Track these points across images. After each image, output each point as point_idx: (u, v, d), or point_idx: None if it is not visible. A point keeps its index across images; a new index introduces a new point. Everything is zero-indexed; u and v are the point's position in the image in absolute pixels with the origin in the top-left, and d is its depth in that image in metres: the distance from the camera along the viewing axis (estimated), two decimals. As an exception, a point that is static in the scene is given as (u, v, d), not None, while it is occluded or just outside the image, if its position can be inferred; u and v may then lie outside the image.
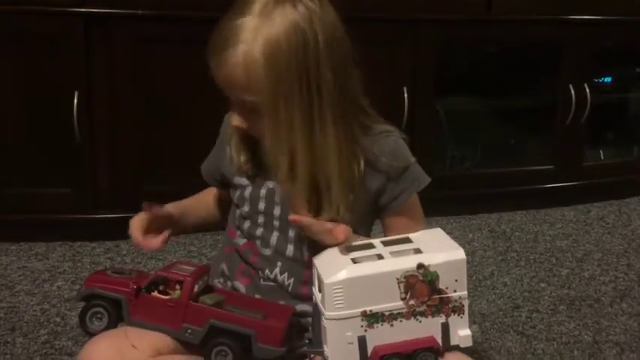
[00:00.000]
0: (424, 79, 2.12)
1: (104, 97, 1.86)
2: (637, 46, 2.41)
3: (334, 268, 0.85)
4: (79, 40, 1.80)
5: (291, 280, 1.02)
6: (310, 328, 1.00)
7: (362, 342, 0.85)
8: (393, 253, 0.87)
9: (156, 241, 1.02)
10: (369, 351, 0.85)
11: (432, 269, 0.85)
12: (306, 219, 0.93)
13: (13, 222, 1.91)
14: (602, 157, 2.49)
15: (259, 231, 1.03)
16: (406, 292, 0.85)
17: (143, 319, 0.94)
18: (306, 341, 0.96)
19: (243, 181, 1.05)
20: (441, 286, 0.86)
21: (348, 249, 0.89)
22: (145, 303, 0.94)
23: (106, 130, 1.88)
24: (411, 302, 0.85)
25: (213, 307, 0.93)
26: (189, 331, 0.93)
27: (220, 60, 0.91)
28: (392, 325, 0.86)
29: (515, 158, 2.40)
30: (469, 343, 0.88)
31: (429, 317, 0.86)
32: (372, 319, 0.85)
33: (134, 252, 1.91)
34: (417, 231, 0.96)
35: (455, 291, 0.86)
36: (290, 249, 1.02)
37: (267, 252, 1.03)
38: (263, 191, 1.03)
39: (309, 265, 0.99)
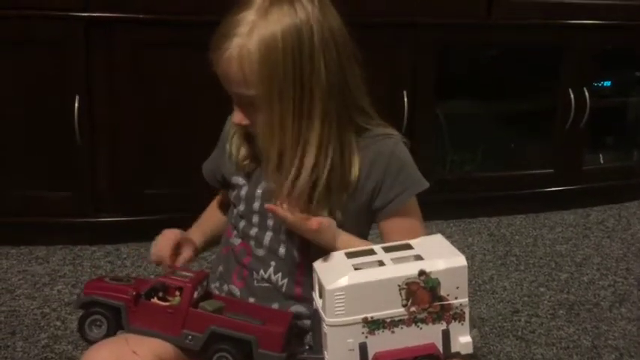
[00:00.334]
0: (424, 82, 2.13)
1: (105, 101, 1.86)
2: (636, 50, 2.41)
3: (335, 274, 0.85)
4: (80, 44, 1.81)
5: (285, 280, 1.02)
6: (309, 333, 1.00)
7: (363, 348, 0.85)
8: (394, 260, 0.87)
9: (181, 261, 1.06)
10: (370, 357, 0.85)
11: (433, 276, 0.85)
12: (281, 210, 0.95)
13: (13, 225, 1.91)
14: (602, 161, 2.49)
15: (253, 230, 1.04)
16: (407, 299, 0.85)
17: (142, 326, 0.94)
18: (307, 347, 0.97)
19: (240, 180, 1.06)
20: (442, 293, 0.86)
21: (349, 255, 0.89)
22: (144, 310, 0.94)
23: (106, 133, 1.89)
24: (412, 309, 0.85)
25: (213, 313, 0.93)
26: (190, 337, 0.93)
27: (218, 53, 0.93)
28: (393, 332, 0.86)
29: (515, 162, 2.40)
30: (470, 350, 0.88)
31: (430, 324, 0.86)
32: (373, 325, 0.85)
33: (134, 256, 1.92)
34: (413, 237, 0.96)
35: (456, 298, 0.86)
36: (282, 249, 1.03)
37: (261, 252, 1.04)
38: (259, 191, 1.03)
39: (301, 266, 1.00)
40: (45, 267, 1.82)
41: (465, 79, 2.31)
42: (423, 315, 0.86)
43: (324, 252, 0.93)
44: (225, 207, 1.19)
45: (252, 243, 1.04)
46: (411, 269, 0.85)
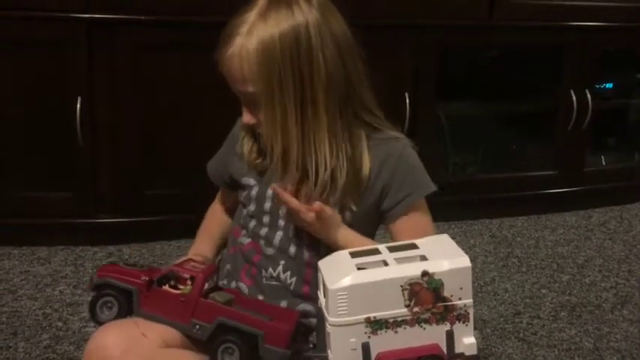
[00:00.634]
0: (426, 84, 2.13)
1: (106, 102, 1.87)
2: (638, 51, 2.41)
3: (339, 274, 0.85)
4: (81, 45, 1.81)
5: (294, 279, 1.03)
6: (315, 331, 1.01)
7: (365, 348, 0.85)
8: (398, 260, 0.87)
9: None
10: (373, 357, 0.85)
11: (436, 277, 0.85)
12: (287, 195, 0.98)
13: (15, 226, 1.91)
14: (604, 163, 2.49)
15: (264, 230, 1.05)
16: (410, 300, 0.85)
17: (153, 312, 0.95)
18: (311, 345, 0.97)
19: (251, 181, 1.07)
20: (446, 293, 0.86)
21: (353, 254, 0.89)
22: (155, 296, 0.95)
23: (107, 134, 1.89)
24: (416, 309, 0.85)
25: (224, 305, 0.94)
26: (198, 326, 0.94)
27: (222, 52, 0.97)
28: (396, 332, 0.85)
29: (517, 164, 2.40)
30: (474, 352, 0.88)
31: (434, 325, 0.86)
32: (376, 325, 0.85)
33: (136, 256, 1.92)
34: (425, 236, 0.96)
35: (460, 299, 0.86)
36: (292, 248, 1.04)
37: (270, 251, 1.05)
38: (269, 191, 1.04)
39: (310, 265, 1.02)
40: (47, 268, 1.82)
41: (467, 80, 2.31)
42: (427, 315, 0.86)
43: (334, 252, 0.94)
44: (228, 209, 1.20)
45: (262, 242, 1.06)
46: (413, 270, 0.85)
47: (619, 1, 2.27)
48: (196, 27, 1.82)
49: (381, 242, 0.96)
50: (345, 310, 0.84)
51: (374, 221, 1.08)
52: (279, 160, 0.99)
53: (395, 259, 0.87)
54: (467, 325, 0.87)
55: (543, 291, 1.82)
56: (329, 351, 0.86)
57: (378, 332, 0.85)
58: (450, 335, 0.86)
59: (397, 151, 1.03)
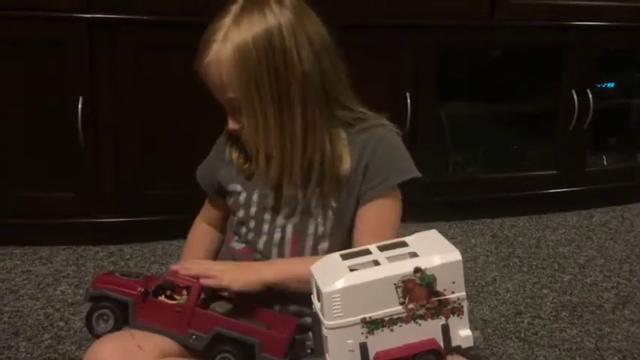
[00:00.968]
0: (427, 84, 2.13)
1: (108, 102, 1.87)
2: (639, 51, 2.41)
3: (332, 277, 0.85)
4: (83, 45, 1.81)
5: None
6: (310, 332, 1.01)
7: (363, 349, 0.85)
8: (390, 258, 0.88)
9: None
10: (371, 357, 0.86)
11: (428, 272, 0.86)
12: (182, 268, 0.99)
13: (17, 226, 1.92)
14: (605, 163, 2.48)
15: (250, 235, 1.07)
16: (404, 297, 0.86)
17: (148, 323, 0.95)
18: (308, 351, 0.97)
19: (238, 187, 1.08)
20: (439, 288, 0.86)
21: (344, 256, 0.90)
22: (151, 307, 0.95)
23: (109, 134, 1.89)
24: (410, 306, 0.86)
25: (223, 315, 0.94)
26: (194, 336, 0.93)
27: (200, 60, 0.98)
28: (392, 330, 0.86)
29: (518, 163, 2.40)
30: (470, 344, 0.88)
31: (429, 320, 0.87)
32: (372, 325, 0.85)
33: (137, 256, 1.92)
34: (381, 233, 0.98)
35: (453, 292, 0.87)
36: (274, 252, 1.05)
37: (257, 256, 1.07)
38: (255, 197, 1.06)
39: None
40: (48, 267, 1.83)
41: (468, 80, 2.31)
42: (422, 311, 0.86)
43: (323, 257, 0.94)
44: (213, 223, 1.20)
45: (251, 247, 1.08)
46: (405, 267, 0.86)
47: (620, 0, 2.27)
48: (198, 27, 1.79)
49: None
50: (340, 312, 0.84)
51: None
52: (264, 162, 1.00)
53: (386, 257, 0.88)
54: (462, 318, 0.87)
55: (544, 291, 1.82)
56: (327, 355, 0.86)
57: (375, 332, 0.85)
58: (445, 329, 0.87)
59: (378, 136, 1.04)
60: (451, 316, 0.87)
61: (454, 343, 0.87)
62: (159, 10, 1.83)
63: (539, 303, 1.75)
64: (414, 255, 0.88)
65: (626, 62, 2.41)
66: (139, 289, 0.95)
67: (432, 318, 0.87)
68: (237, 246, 1.09)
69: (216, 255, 1.17)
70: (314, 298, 0.90)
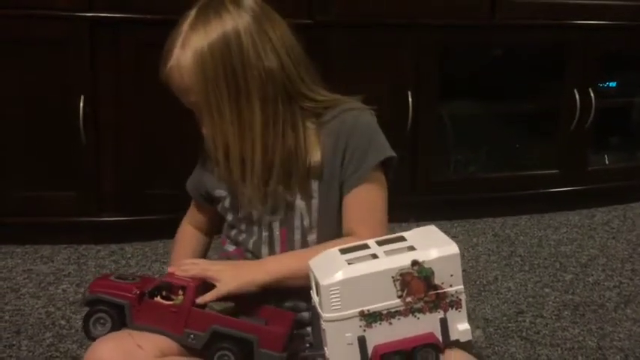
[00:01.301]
0: (428, 83, 2.13)
1: (109, 101, 1.87)
2: (641, 50, 2.41)
3: (330, 270, 0.86)
4: (84, 44, 1.81)
5: None
6: (309, 327, 1.01)
7: (362, 342, 0.85)
8: (387, 252, 0.88)
9: None
10: (370, 350, 0.86)
11: (426, 265, 0.86)
12: (180, 270, 1.00)
13: (18, 225, 1.92)
14: (607, 162, 2.48)
15: (242, 237, 1.09)
16: (402, 290, 0.86)
17: (145, 324, 0.95)
18: (307, 345, 0.97)
19: (222, 192, 1.09)
20: (437, 281, 0.86)
21: (342, 251, 0.90)
22: (147, 308, 0.95)
23: (111, 133, 1.89)
24: (408, 299, 0.86)
25: (221, 313, 0.94)
26: (192, 336, 0.93)
27: (163, 65, 1.01)
28: (391, 324, 0.86)
29: (520, 162, 2.40)
30: (469, 337, 0.88)
31: (427, 313, 0.87)
32: (371, 318, 0.85)
33: (138, 255, 1.92)
34: (372, 214, 0.99)
35: (451, 286, 0.87)
36: (265, 250, 1.06)
37: (249, 256, 1.08)
38: (242, 199, 1.06)
39: None
40: (50, 266, 1.83)
41: (470, 79, 2.30)
42: (420, 305, 0.86)
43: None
44: (199, 227, 1.21)
45: (242, 248, 1.09)
46: (403, 260, 0.86)
47: (621, -1, 2.28)
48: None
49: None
50: (338, 305, 0.84)
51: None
52: (223, 159, 1.01)
53: (384, 251, 0.88)
54: (460, 312, 0.88)
55: (546, 290, 1.82)
56: (325, 348, 0.86)
57: (373, 325, 0.86)
58: (443, 323, 0.87)
59: (350, 121, 1.04)
60: (449, 309, 0.87)
61: (452, 337, 0.88)
62: (160, 9, 1.83)
63: (541, 302, 1.75)
64: (411, 248, 0.89)
65: (628, 61, 2.41)
66: (134, 291, 0.96)
67: (431, 311, 0.87)
68: (230, 248, 1.11)
69: (203, 257, 1.18)
70: (313, 292, 0.90)
